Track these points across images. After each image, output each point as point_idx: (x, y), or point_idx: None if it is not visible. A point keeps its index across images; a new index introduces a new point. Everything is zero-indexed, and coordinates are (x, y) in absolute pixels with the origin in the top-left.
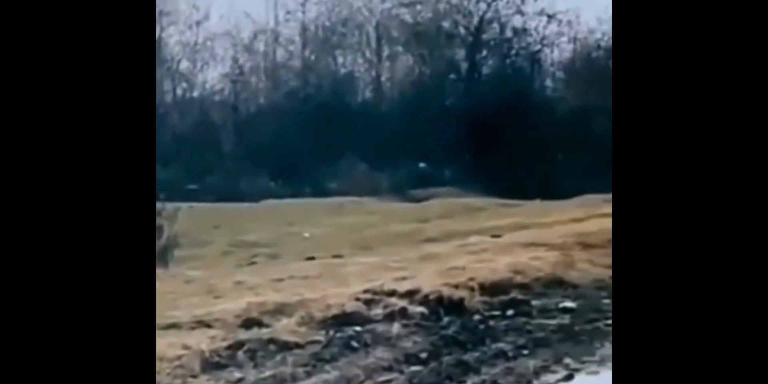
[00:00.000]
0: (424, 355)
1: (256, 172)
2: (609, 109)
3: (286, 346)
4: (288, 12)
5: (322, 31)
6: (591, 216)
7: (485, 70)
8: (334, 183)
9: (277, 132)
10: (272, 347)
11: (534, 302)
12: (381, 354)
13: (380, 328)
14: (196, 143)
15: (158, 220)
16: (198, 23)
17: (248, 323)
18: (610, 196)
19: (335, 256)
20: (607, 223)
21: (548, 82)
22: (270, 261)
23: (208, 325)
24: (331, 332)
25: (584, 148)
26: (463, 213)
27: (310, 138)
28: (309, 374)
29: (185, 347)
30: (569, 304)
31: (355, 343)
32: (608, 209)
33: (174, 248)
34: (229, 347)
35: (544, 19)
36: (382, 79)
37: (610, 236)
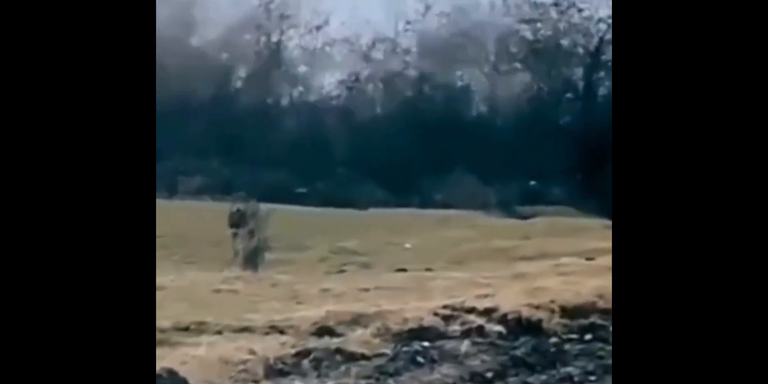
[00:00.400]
0: (489, 375)
1: (365, 179)
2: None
3: (352, 357)
4: (408, 22)
5: (441, 43)
6: None
7: (602, 91)
8: (441, 195)
9: (389, 141)
10: (338, 357)
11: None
12: (446, 371)
13: (449, 344)
14: (309, 147)
15: (251, 223)
16: (318, 28)
17: (321, 332)
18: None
19: (427, 269)
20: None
21: None
22: (361, 270)
23: (282, 332)
24: (399, 346)
25: None
26: (565, 233)
27: (422, 149)
28: None
29: (252, 352)
30: None
31: (421, 359)
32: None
33: (264, 251)
34: (296, 355)
35: None
36: (498, 93)
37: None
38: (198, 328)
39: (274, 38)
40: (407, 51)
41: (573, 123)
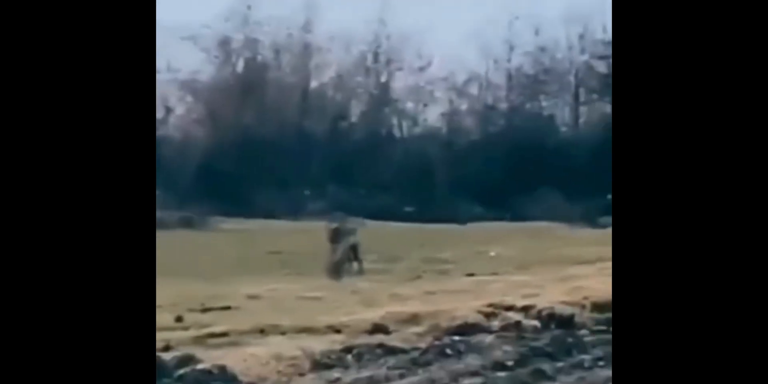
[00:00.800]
0: (510, 363)
1: (465, 198)
2: None
3: (391, 351)
4: (495, 61)
5: (526, 79)
6: None
7: None
8: (530, 210)
9: (484, 165)
10: (378, 351)
11: None
12: (471, 361)
13: (477, 338)
14: (416, 173)
15: (348, 239)
16: (421, 69)
17: (374, 330)
18: None
19: (492, 274)
20: None
21: None
22: (438, 276)
23: (338, 331)
24: (431, 340)
25: None
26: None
27: (513, 170)
28: (401, 376)
29: (301, 349)
30: None
31: (449, 351)
32: None
33: (347, 262)
34: (342, 350)
35: None
36: (579, 121)
37: None
38: (271, 330)
39: (383, 79)
40: (498, 86)
41: None
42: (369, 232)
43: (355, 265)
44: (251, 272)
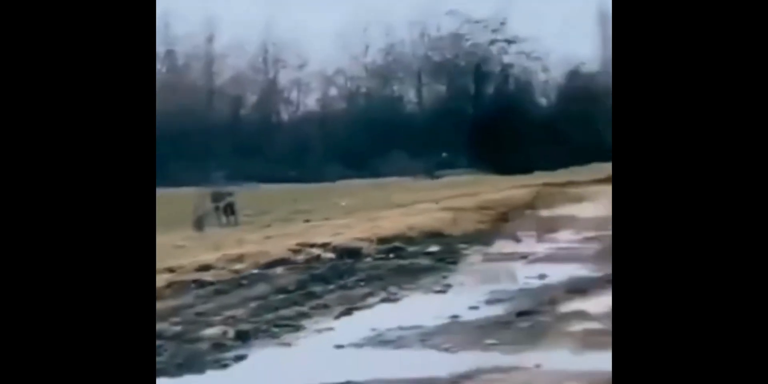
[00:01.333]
0: (291, 288)
1: (335, 163)
2: None
3: (201, 285)
4: (355, 57)
5: (380, 69)
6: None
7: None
8: (386, 169)
9: (350, 137)
10: (192, 285)
11: (410, 249)
12: (259, 288)
13: (267, 271)
14: (298, 145)
15: (226, 199)
16: (300, 66)
17: (200, 268)
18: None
19: (325, 219)
20: (517, 194)
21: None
22: (284, 223)
23: (172, 270)
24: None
25: None
26: (455, 186)
27: (372, 139)
28: (204, 303)
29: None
30: (432, 248)
31: (244, 282)
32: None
33: (204, 218)
34: (167, 286)
35: None
36: (422, 100)
37: (508, 203)
38: None
39: (270, 76)
40: (358, 77)
41: (471, 112)
42: (256, 193)
43: (232, 219)
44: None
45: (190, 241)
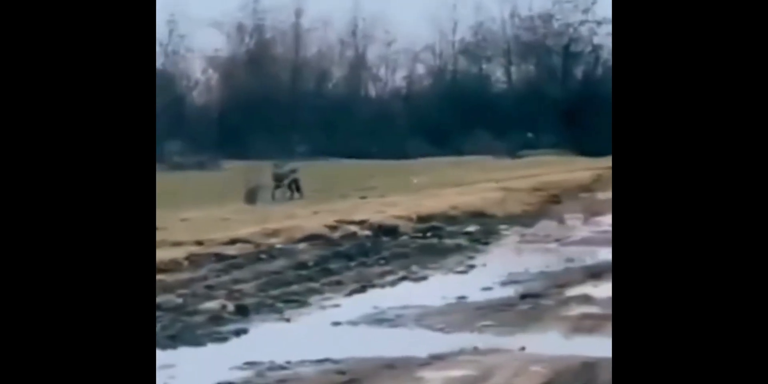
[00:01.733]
0: (310, 264)
1: (418, 140)
2: None
3: (222, 258)
4: (444, 33)
5: (469, 47)
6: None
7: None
8: (470, 147)
9: (435, 114)
10: (212, 258)
11: (448, 228)
12: (278, 263)
13: (291, 246)
14: (382, 121)
15: (290, 176)
16: (388, 43)
17: (231, 242)
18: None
19: (381, 196)
20: (578, 176)
21: None
22: (339, 199)
23: (200, 243)
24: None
25: None
26: (534, 166)
27: (457, 118)
28: (217, 276)
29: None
30: (470, 228)
31: (263, 256)
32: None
33: (256, 191)
34: (184, 258)
35: None
36: (510, 79)
37: (564, 185)
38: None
39: (360, 51)
40: (446, 54)
41: (558, 93)
42: (333, 168)
43: (296, 195)
44: (209, 201)
45: (238, 215)
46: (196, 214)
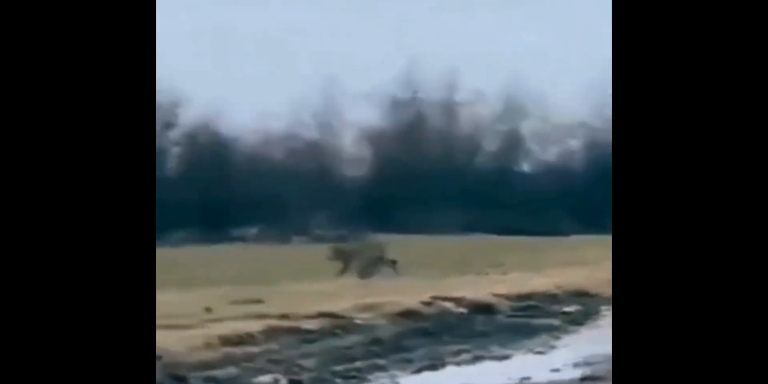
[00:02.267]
0: (385, 339)
1: (569, 217)
2: None
3: (296, 332)
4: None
5: None
6: None
7: None
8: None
9: (586, 192)
10: (286, 332)
11: (547, 307)
12: (351, 338)
13: (365, 322)
14: (531, 197)
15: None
16: (543, 118)
17: (318, 315)
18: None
19: (503, 273)
20: None
21: None
22: (458, 275)
23: (285, 316)
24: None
25: None
26: None
27: (609, 195)
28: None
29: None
30: (569, 308)
31: (338, 331)
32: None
33: (370, 267)
34: (260, 331)
35: None
36: None
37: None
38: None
39: (512, 126)
40: (602, 129)
41: None
42: (476, 242)
43: (390, 271)
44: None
45: (344, 289)
46: (301, 287)
